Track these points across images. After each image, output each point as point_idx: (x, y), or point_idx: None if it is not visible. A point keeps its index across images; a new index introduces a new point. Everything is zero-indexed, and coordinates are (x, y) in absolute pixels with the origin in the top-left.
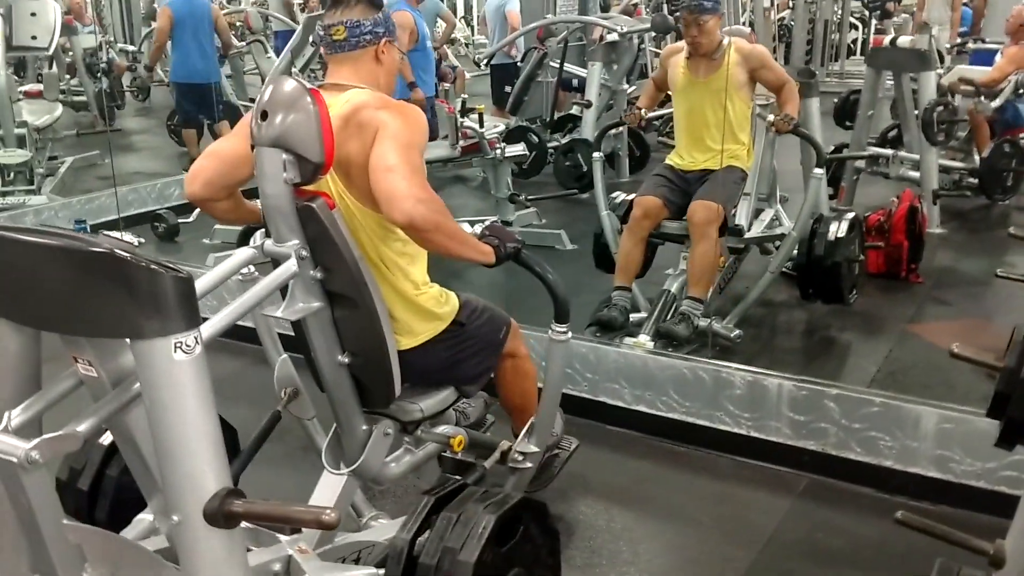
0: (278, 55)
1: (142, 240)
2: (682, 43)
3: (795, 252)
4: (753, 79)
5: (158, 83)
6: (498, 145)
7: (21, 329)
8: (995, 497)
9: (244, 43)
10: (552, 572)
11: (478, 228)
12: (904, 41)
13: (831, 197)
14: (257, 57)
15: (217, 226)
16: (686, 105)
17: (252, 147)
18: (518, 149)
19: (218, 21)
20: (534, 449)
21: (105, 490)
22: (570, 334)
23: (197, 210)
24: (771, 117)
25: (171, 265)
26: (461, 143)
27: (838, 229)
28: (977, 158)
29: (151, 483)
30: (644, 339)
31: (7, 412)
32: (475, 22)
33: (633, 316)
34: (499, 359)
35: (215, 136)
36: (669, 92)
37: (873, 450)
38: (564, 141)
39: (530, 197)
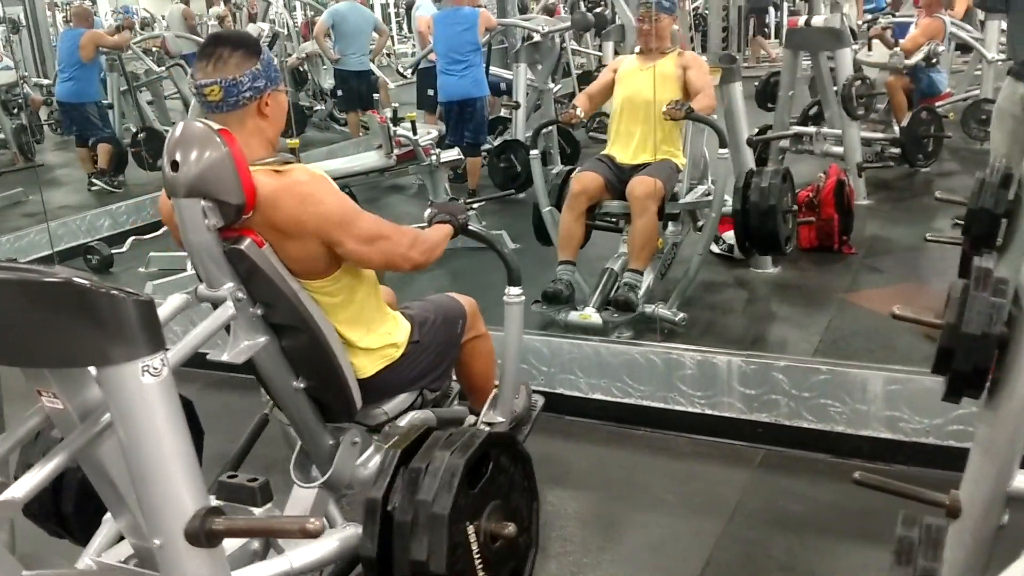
0: None
1: None
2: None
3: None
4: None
5: None
6: (433, 151)
7: None
8: (946, 452)
9: (163, 68)
10: (529, 492)
11: (428, 212)
12: (818, 21)
13: None
14: (178, 81)
15: (152, 254)
16: (627, 90)
17: (169, 197)
18: (453, 154)
19: (101, 41)
20: (500, 419)
21: (68, 483)
22: (523, 297)
23: (131, 239)
24: (665, 107)
25: (131, 290)
26: (396, 151)
27: (771, 176)
28: (897, 128)
29: (123, 510)
30: (590, 311)
31: None
32: (393, 32)
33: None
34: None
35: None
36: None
37: (824, 417)
38: (497, 143)
39: (468, 200)
